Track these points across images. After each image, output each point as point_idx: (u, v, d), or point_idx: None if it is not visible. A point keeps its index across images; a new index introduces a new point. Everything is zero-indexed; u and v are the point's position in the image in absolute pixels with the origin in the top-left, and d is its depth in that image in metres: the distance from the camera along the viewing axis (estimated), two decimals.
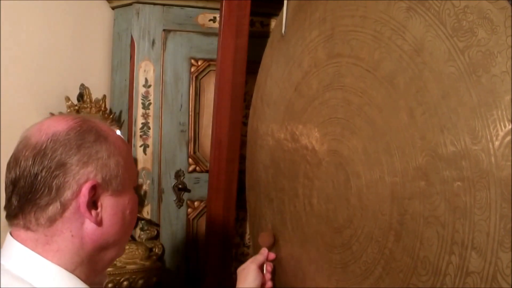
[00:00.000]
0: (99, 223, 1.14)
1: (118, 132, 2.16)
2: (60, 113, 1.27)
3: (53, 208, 1.10)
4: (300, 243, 1.72)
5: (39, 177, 1.09)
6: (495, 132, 1.11)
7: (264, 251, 1.78)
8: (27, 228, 1.12)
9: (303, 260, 1.70)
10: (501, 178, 1.09)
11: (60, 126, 1.13)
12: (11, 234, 1.14)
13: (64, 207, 1.10)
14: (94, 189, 1.12)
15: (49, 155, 1.10)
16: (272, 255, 1.79)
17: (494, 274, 1.09)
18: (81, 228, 1.12)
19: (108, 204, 1.15)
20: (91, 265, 1.16)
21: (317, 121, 1.63)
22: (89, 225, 1.13)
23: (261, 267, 1.72)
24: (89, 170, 1.11)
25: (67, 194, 1.10)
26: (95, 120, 1.20)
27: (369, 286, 1.41)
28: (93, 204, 1.13)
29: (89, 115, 1.29)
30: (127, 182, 1.18)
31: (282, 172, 1.82)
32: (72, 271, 1.13)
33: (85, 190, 1.10)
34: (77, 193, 1.10)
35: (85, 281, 1.15)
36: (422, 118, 1.27)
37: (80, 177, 1.11)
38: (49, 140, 1.11)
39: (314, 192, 1.65)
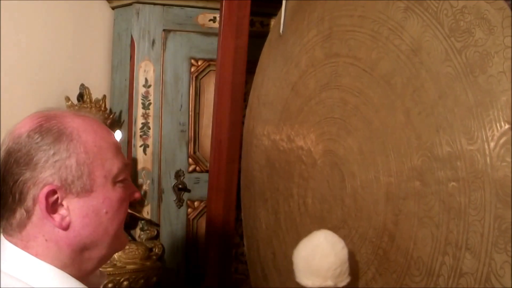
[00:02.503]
0: (65, 227, 1.09)
1: (118, 133, 2.18)
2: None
3: (19, 214, 1.09)
4: (294, 243, 1.70)
5: (5, 182, 1.08)
6: (491, 132, 1.11)
7: None
8: (6, 232, 1.12)
9: None
10: (496, 179, 1.09)
11: (23, 128, 1.10)
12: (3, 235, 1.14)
13: (28, 214, 1.08)
14: (53, 194, 1.08)
15: (12, 160, 1.08)
16: None
17: (487, 275, 1.09)
18: (53, 232, 1.10)
19: (75, 206, 1.10)
20: (77, 266, 1.14)
21: (313, 121, 1.63)
22: (60, 229, 1.10)
23: None
24: (47, 174, 1.07)
25: (29, 200, 1.08)
26: (64, 114, 1.14)
27: (362, 286, 1.41)
28: (58, 208, 1.09)
29: (69, 109, 1.20)
30: (99, 180, 1.11)
31: (277, 172, 1.82)
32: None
33: (41, 196, 1.06)
34: (37, 199, 1.07)
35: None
36: (418, 118, 1.26)
37: (39, 182, 1.07)
38: (13, 143, 1.09)
39: (309, 192, 1.65)
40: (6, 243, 1.12)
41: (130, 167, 2.19)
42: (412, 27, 1.30)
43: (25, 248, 1.10)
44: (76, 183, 1.09)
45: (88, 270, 1.17)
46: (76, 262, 1.13)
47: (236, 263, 2.42)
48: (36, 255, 1.10)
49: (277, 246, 1.82)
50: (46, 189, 1.06)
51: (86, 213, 1.11)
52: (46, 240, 1.09)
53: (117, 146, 1.18)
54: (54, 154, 1.07)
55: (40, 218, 1.08)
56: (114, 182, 1.14)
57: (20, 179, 1.07)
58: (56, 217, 1.09)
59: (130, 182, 1.22)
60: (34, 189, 1.07)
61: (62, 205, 1.09)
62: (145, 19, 2.26)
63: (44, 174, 1.07)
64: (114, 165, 1.14)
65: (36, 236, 1.09)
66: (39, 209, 1.07)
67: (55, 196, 1.08)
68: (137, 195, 1.23)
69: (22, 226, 1.09)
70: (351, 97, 1.47)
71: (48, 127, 1.09)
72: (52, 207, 1.08)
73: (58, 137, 1.08)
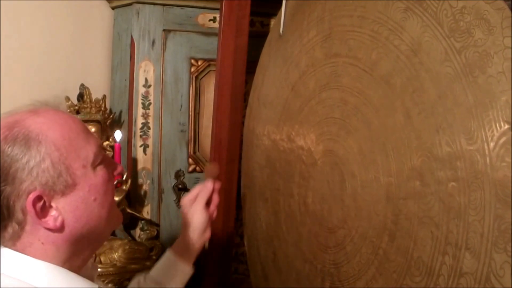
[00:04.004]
0: (59, 227, 1.09)
1: (118, 133, 2.17)
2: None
3: (11, 228, 1.08)
4: (294, 243, 1.72)
5: None
6: (490, 132, 1.11)
7: (210, 184, 1.63)
8: None
9: (297, 260, 1.70)
10: (496, 179, 1.09)
11: None
12: None
13: (21, 225, 1.08)
14: (39, 199, 1.07)
15: None
16: (218, 185, 1.65)
17: (487, 275, 1.09)
18: (48, 234, 1.09)
19: (64, 204, 1.09)
20: (77, 256, 1.14)
21: (313, 121, 1.63)
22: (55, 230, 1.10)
23: (207, 202, 1.62)
24: (27, 183, 1.06)
25: (18, 212, 1.07)
26: (23, 117, 1.09)
27: (362, 286, 1.41)
28: (48, 211, 1.09)
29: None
30: (79, 171, 1.10)
31: (278, 172, 1.82)
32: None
33: (28, 205, 1.06)
34: (25, 210, 1.06)
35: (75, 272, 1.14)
36: (418, 119, 1.26)
37: (21, 193, 1.06)
38: None
39: (309, 192, 1.65)
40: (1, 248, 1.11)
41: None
42: (411, 27, 1.30)
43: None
44: (58, 183, 1.08)
45: (88, 255, 1.18)
46: (75, 253, 1.14)
47: (236, 263, 2.42)
48: (34, 258, 1.09)
49: (278, 245, 1.82)
50: (31, 198, 1.05)
51: (76, 206, 1.10)
52: (42, 243, 1.10)
53: (86, 131, 1.16)
54: (27, 162, 1.06)
55: (33, 225, 1.08)
56: (94, 167, 1.13)
57: (2, 196, 1.05)
58: (49, 220, 1.08)
59: (109, 158, 1.21)
60: (19, 201, 1.06)
61: (51, 207, 1.08)
62: (145, 19, 2.26)
63: (24, 184, 1.06)
64: (88, 151, 1.13)
65: (32, 242, 1.09)
66: (30, 218, 1.07)
67: (42, 201, 1.07)
68: (119, 169, 1.21)
69: (16, 237, 1.09)
70: (351, 97, 1.47)
71: (13, 136, 1.06)
72: (42, 212, 1.07)
73: (25, 143, 1.06)
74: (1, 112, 2.31)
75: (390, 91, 1.35)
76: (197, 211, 1.59)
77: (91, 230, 1.13)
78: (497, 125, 1.10)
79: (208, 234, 1.63)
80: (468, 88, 1.15)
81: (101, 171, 1.14)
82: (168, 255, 1.64)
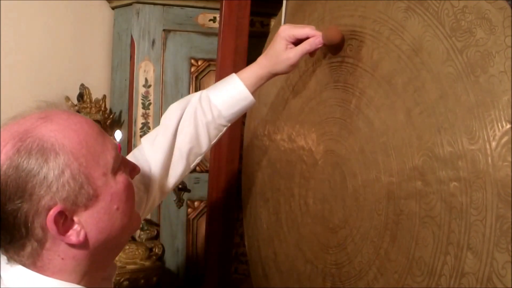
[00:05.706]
0: (82, 241, 1.00)
1: (118, 133, 2.17)
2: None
3: (30, 247, 1.00)
4: (295, 243, 1.72)
5: (5, 220, 0.97)
6: (492, 132, 1.10)
7: (321, 40, 1.49)
8: (13, 262, 1.02)
9: (298, 260, 1.70)
10: (498, 179, 1.08)
11: (2, 159, 0.97)
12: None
13: (40, 243, 0.99)
14: (61, 215, 0.97)
15: (2, 197, 0.96)
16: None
17: (489, 275, 1.09)
18: (69, 249, 1.01)
19: (87, 217, 1.01)
20: (96, 268, 1.07)
21: (314, 121, 1.63)
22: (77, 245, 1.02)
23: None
24: (47, 199, 0.96)
25: (37, 230, 0.98)
26: (34, 125, 0.99)
27: (364, 286, 1.41)
28: (70, 225, 1.00)
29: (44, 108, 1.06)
30: (100, 181, 1.01)
31: (278, 172, 1.82)
32: (78, 283, 1.04)
33: (49, 223, 0.96)
34: (45, 227, 0.97)
35: (93, 283, 1.06)
36: (419, 118, 1.26)
37: (41, 211, 0.96)
38: None
39: (310, 192, 1.65)
40: (15, 265, 1.03)
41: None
42: (413, 27, 1.30)
43: (38, 272, 1.02)
44: (80, 197, 0.99)
45: (109, 263, 1.12)
46: (96, 264, 1.06)
47: (236, 263, 2.42)
48: (53, 275, 1.02)
49: (278, 246, 1.82)
50: (51, 215, 0.97)
51: (99, 218, 1.02)
52: (62, 258, 1.02)
53: (102, 134, 1.06)
54: (45, 177, 0.96)
55: (53, 241, 1.00)
56: (114, 173, 1.04)
57: (19, 214, 0.96)
58: (71, 235, 1.00)
59: (125, 159, 1.11)
60: (38, 218, 0.97)
61: (73, 221, 1.00)
62: (145, 19, 2.27)
63: (43, 201, 0.96)
64: (107, 157, 1.03)
65: (52, 259, 1.01)
66: (51, 235, 0.99)
67: (63, 217, 0.98)
68: (137, 169, 1.13)
69: (36, 255, 1.00)
70: (352, 97, 1.47)
71: (26, 148, 0.96)
72: (64, 227, 0.99)
73: (41, 155, 0.97)
74: (2, 112, 2.32)
75: (391, 91, 1.35)
76: (291, 58, 1.50)
77: (113, 239, 1.05)
78: (499, 124, 1.10)
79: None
80: (470, 87, 1.15)
81: (121, 176, 1.06)
82: (234, 78, 1.53)
